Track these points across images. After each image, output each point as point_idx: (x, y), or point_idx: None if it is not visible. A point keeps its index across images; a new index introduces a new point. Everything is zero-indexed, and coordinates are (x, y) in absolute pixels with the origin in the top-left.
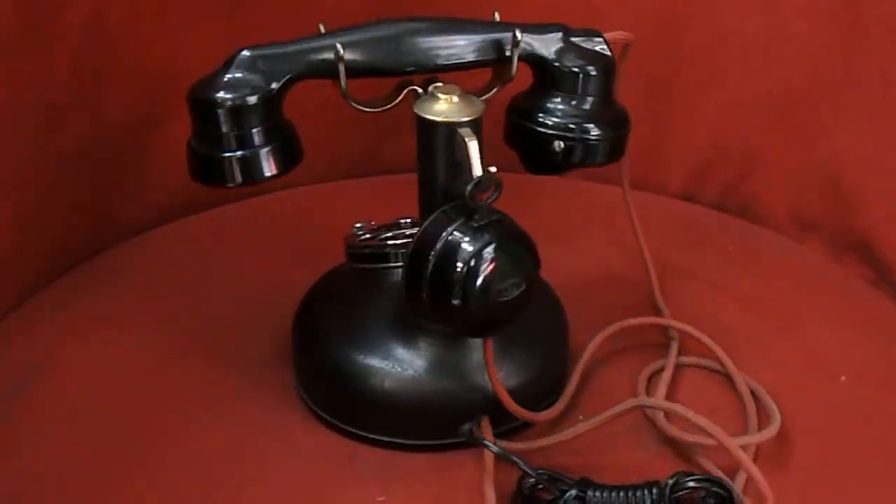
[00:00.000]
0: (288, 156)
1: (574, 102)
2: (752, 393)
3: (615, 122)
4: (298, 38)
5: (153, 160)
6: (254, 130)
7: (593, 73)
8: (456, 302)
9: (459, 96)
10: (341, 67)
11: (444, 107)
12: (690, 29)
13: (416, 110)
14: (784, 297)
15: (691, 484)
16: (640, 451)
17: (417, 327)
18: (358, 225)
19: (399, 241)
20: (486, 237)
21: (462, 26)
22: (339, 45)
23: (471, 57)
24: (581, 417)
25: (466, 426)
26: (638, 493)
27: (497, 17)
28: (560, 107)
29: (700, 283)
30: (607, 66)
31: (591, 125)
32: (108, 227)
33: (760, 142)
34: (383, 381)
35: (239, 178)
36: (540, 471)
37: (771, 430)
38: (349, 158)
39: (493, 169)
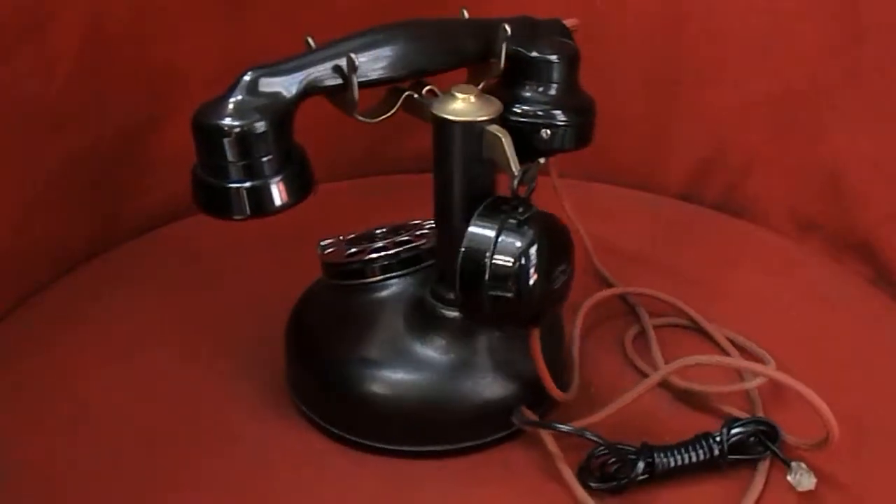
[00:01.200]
0: (300, 185)
1: (545, 90)
2: (733, 342)
3: (583, 108)
4: (302, 55)
5: (154, 161)
6: (263, 159)
7: (563, 61)
8: (514, 296)
9: (477, 96)
10: (354, 80)
11: (462, 106)
12: (690, 29)
13: (434, 111)
14: (784, 297)
15: (739, 429)
16: (660, 411)
17: (415, 333)
18: (325, 242)
19: (381, 253)
20: (535, 230)
21: (451, 27)
22: (354, 57)
23: (464, 56)
24: (592, 390)
25: (517, 415)
26: (699, 447)
27: (465, 14)
28: (534, 96)
29: (697, 282)
30: (573, 55)
31: (559, 111)
32: (108, 228)
33: (760, 142)
34: (383, 388)
35: (247, 211)
36: (607, 443)
37: (772, 365)
38: (348, 159)
39: (542, 160)
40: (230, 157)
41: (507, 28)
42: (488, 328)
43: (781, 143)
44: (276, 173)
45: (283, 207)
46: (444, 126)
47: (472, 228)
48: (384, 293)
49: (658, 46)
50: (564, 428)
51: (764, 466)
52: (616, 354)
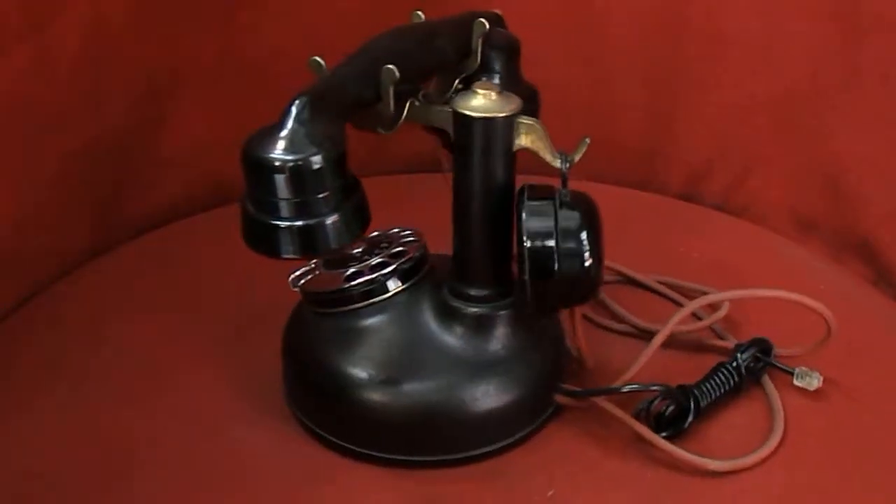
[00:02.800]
0: (357, 222)
1: (489, 81)
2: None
3: (531, 96)
4: (336, 75)
5: (153, 161)
6: (319, 196)
7: (504, 52)
8: (583, 275)
9: (497, 92)
10: (391, 92)
11: (483, 102)
12: (690, 29)
13: (457, 108)
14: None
15: (748, 351)
16: (656, 360)
17: (414, 340)
18: (298, 272)
19: (383, 270)
20: (583, 208)
21: (435, 29)
22: (393, 69)
23: (449, 56)
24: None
25: (562, 392)
26: (724, 377)
27: (422, 15)
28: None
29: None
30: (515, 45)
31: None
32: (108, 229)
33: (760, 142)
34: (382, 396)
35: (297, 251)
36: (669, 388)
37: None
38: (350, 159)
39: (587, 139)
40: (282, 193)
41: (485, 22)
42: (511, 320)
43: (781, 143)
44: (332, 211)
45: (338, 248)
46: (466, 123)
47: (527, 217)
48: (392, 308)
49: (658, 46)
50: (626, 388)
51: (768, 380)
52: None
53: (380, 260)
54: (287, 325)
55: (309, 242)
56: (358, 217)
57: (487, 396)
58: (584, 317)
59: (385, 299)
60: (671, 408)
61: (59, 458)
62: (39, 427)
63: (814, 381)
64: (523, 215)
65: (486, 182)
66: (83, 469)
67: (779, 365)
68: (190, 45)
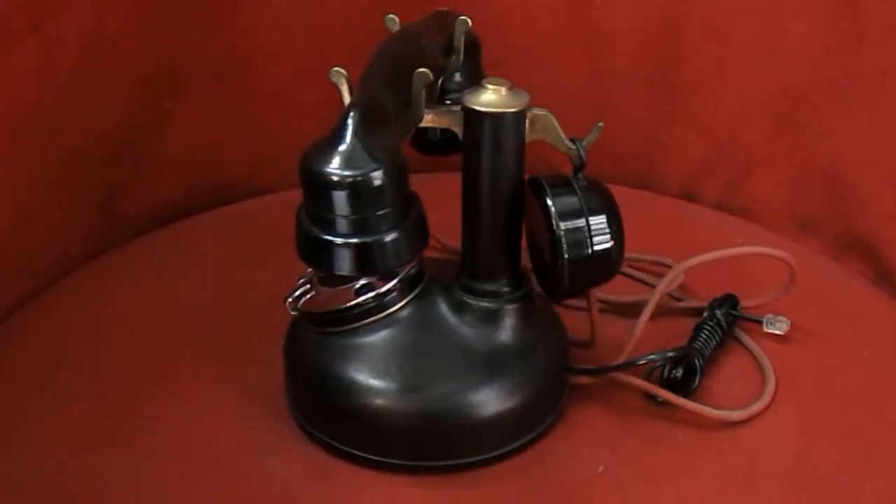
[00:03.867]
0: (416, 241)
1: (461, 80)
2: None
3: None
4: (371, 83)
5: (153, 161)
6: (378, 213)
7: (471, 49)
8: (615, 253)
9: (508, 87)
10: (423, 94)
11: (494, 97)
12: (690, 29)
13: (467, 104)
14: (783, 297)
15: (723, 307)
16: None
17: (432, 345)
18: (297, 293)
19: (394, 281)
20: (601, 189)
21: (424, 31)
22: (426, 72)
23: (441, 56)
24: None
25: (580, 373)
26: (708, 331)
27: (396, 19)
28: (455, 85)
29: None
30: (477, 42)
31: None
32: (108, 228)
33: (760, 142)
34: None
35: (353, 269)
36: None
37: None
38: None
39: (600, 124)
40: (341, 210)
41: (468, 20)
42: (524, 311)
43: (781, 143)
44: (391, 229)
45: (395, 267)
46: (478, 119)
47: (555, 202)
48: (403, 317)
49: (658, 46)
50: (643, 359)
51: (739, 332)
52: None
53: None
54: (287, 342)
55: (366, 260)
56: (417, 234)
57: (515, 389)
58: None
59: (397, 309)
60: (679, 371)
61: (56, 459)
62: (39, 427)
63: (783, 326)
64: (550, 201)
65: (499, 176)
66: (83, 470)
67: (749, 316)
68: (190, 45)
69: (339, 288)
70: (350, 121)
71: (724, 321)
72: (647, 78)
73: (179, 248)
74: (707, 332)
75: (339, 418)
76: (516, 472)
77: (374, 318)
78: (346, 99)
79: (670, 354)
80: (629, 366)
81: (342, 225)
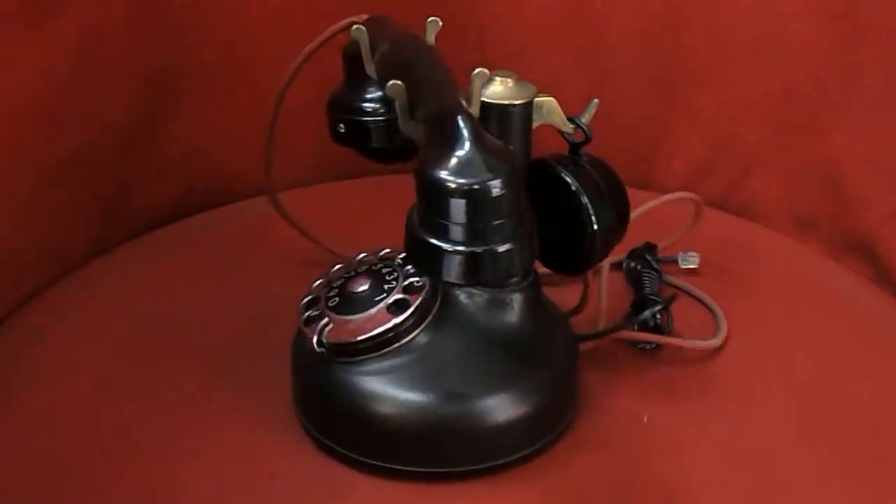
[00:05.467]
0: (527, 254)
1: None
2: None
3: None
4: (443, 89)
5: (154, 161)
6: (493, 223)
7: None
8: (626, 216)
9: (514, 79)
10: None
11: (501, 89)
12: (690, 29)
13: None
14: (784, 297)
15: (651, 255)
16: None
17: (458, 350)
18: (319, 329)
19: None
20: (601, 161)
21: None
22: (486, 71)
23: None
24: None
25: (588, 339)
26: (650, 277)
27: (439, 22)
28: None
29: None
30: None
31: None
32: (108, 228)
33: (760, 142)
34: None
35: (461, 277)
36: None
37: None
38: (341, 160)
39: (595, 100)
40: (456, 218)
41: (440, 21)
42: (533, 296)
43: (781, 143)
44: (504, 240)
45: (503, 278)
46: (485, 110)
47: (573, 178)
48: (425, 335)
49: (658, 46)
50: (642, 316)
51: (662, 270)
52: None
53: (399, 297)
54: (295, 354)
55: (475, 270)
56: (529, 247)
57: (546, 372)
58: None
59: (412, 338)
60: (659, 316)
61: (56, 459)
62: (39, 428)
63: (695, 259)
64: (568, 178)
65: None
66: (83, 470)
67: (665, 258)
68: (190, 45)
69: (351, 317)
70: (465, 127)
71: (654, 266)
72: (647, 78)
73: (179, 248)
74: (649, 279)
75: (358, 431)
76: (578, 445)
77: (388, 349)
78: (365, 56)
79: (660, 305)
80: (633, 323)
81: (455, 232)
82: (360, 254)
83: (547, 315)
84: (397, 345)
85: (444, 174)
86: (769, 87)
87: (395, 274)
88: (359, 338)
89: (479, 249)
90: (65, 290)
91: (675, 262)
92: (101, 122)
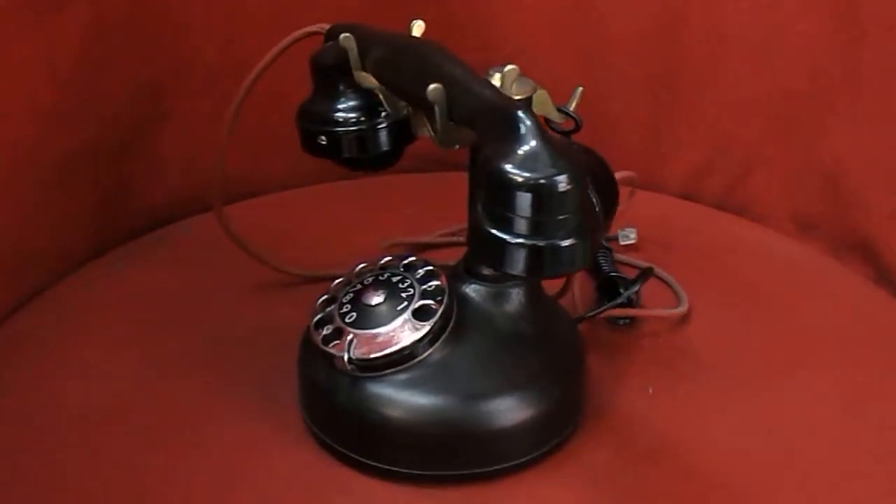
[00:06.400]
0: (589, 250)
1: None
2: None
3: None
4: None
5: (154, 160)
6: (558, 217)
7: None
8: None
9: (515, 76)
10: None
11: (500, 86)
12: (690, 29)
13: None
14: (784, 297)
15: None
16: None
17: (481, 350)
18: (348, 346)
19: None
20: (588, 148)
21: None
22: (514, 67)
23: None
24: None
25: (584, 319)
26: (606, 255)
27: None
28: (358, 103)
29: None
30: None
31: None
32: (109, 229)
33: (760, 142)
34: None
35: (523, 270)
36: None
37: None
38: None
39: (580, 88)
40: (521, 211)
41: (423, 24)
42: (536, 288)
43: (781, 143)
44: (566, 235)
45: (564, 273)
46: None
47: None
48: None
49: (658, 46)
50: (627, 292)
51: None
52: None
53: (421, 304)
54: (302, 357)
55: (537, 264)
56: (592, 244)
57: (560, 360)
58: None
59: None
60: (634, 291)
61: (56, 459)
62: (41, 428)
63: (633, 234)
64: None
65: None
66: (83, 471)
67: (609, 237)
68: (190, 45)
69: (374, 331)
70: (528, 122)
71: (605, 244)
72: (647, 78)
73: (180, 249)
74: (604, 258)
75: (369, 437)
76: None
77: (420, 357)
78: (354, 64)
79: (639, 279)
80: (621, 301)
81: (520, 225)
82: (359, 264)
83: (550, 306)
84: (427, 353)
85: (510, 168)
86: (769, 87)
87: (408, 281)
88: (388, 350)
89: (541, 243)
90: (65, 290)
91: (616, 239)
92: (101, 123)
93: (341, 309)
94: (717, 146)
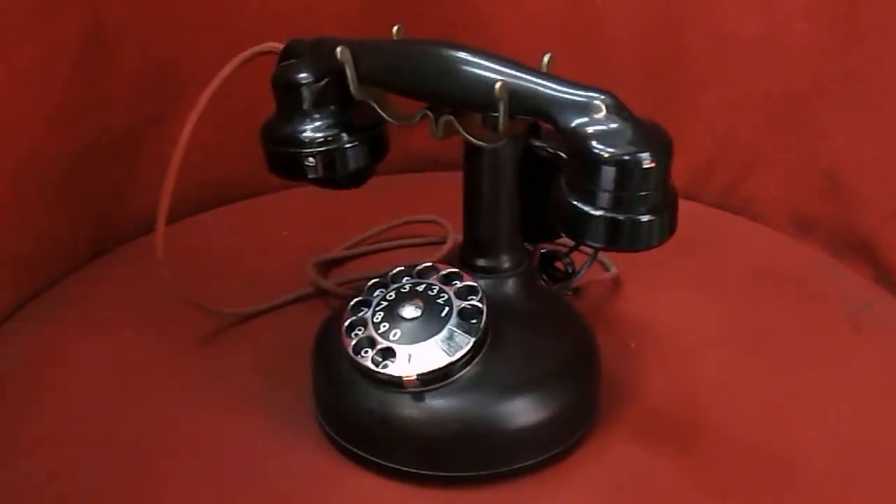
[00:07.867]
0: (668, 228)
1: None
2: None
3: (367, 125)
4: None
5: (154, 160)
6: (639, 194)
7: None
8: None
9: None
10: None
11: None
12: (690, 29)
13: None
14: (784, 297)
15: None
16: None
17: (505, 343)
18: (414, 371)
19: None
20: None
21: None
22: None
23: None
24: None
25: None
26: None
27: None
28: (325, 122)
29: (696, 280)
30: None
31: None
32: (108, 228)
33: (760, 142)
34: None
35: (604, 242)
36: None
37: None
38: None
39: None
40: (606, 185)
41: (402, 29)
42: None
43: (781, 143)
44: (647, 211)
45: (641, 249)
46: None
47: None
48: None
49: (658, 46)
50: (584, 267)
51: None
52: None
53: (464, 304)
54: (317, 353)
55: (616, 236)
56: (671, 222)
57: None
58: None
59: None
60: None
61: (57, 460)
62: (41, 428)
63: None
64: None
65: (501, 154)
66: (83, 471)
67: None
68: (189, 44)
69: (421, 346)
70: (612, 101)
71: None
72: (647, 78)
73: (180, 249)
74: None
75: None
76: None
77: (461, 373)
78: (352, 78)
79: (569, 249)
80: (579, 272)
81: (602, 199)
82: (395, 267)
83: (549, 294)
84: (469, 368)
85: (596, 143)
86: (769, 87)
87: (445, 296)
88: (431, 368)
89: (621, 217)
90: (65, 290)
91: None
92: (101, 123)
93: (374, 317)
94: (717, 146)
